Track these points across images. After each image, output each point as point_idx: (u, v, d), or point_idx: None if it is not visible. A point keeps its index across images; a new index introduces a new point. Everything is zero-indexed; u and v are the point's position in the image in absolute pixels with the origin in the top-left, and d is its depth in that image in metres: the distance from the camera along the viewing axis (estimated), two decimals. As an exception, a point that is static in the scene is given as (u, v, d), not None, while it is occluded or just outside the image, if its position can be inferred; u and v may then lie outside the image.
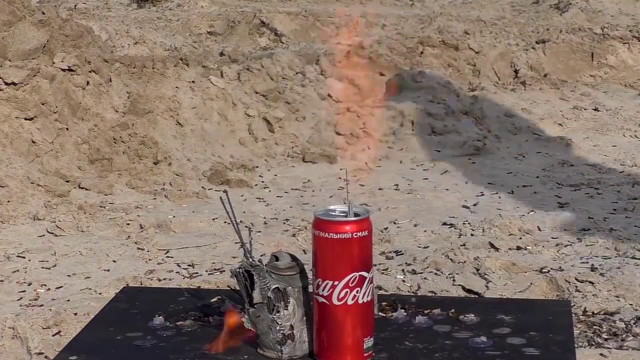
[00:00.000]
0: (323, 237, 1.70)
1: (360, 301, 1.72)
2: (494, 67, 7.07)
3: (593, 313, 3.23)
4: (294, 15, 8.26)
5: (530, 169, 5.28)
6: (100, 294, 3.52)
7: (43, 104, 5.10)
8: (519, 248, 3.82)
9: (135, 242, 4.14)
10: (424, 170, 5.34)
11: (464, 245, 3.87)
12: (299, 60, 6.47)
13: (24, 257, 3.97)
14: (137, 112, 5.46)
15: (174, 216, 4.48)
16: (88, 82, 5.43)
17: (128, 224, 4.35)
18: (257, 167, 5.42)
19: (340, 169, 5.16)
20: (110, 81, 5.60)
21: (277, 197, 4.90)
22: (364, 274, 1.71)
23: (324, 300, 1.70)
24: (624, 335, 3.04)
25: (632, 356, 2.89)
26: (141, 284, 3.60)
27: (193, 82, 5.93)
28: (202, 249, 4.05)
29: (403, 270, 3.55)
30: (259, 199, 4.87)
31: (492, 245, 3.84)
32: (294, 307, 1.74)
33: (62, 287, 3.65)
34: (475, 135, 5.84)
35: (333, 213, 1.74)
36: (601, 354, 2.89)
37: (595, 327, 3.11)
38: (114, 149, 5.18)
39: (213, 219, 4.39)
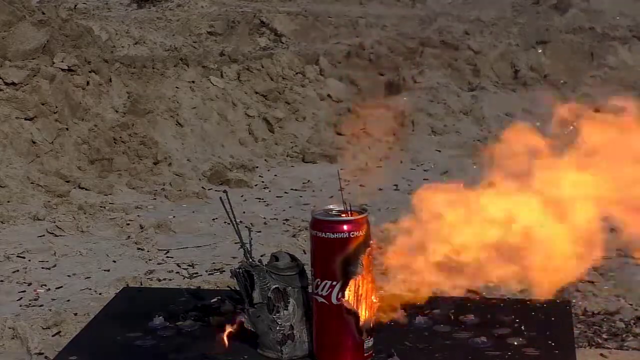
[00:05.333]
0: (321, 237, 1.69)
1: (360, 301, 1.71)
2: (494, 67, 7.07)
3: (593, 313, 3.23)
4: (294, 15, 8.26)
5: (530, 169, 5.27)
6: (100, 294, 3.52)
7: (43, 104, 5.10)
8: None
9: (135, 242, 4.13)
10: (424, 171, 5.34)
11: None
12: (299, 60, 6.47)
13: (24, 257, 3.97)
14: (137, 112, 5.46)
15: (174, 216, 4.48)
16: (88, 82, 5.42)
17: (128, 224, 4.35)
18: (257, 167, 5.42)
19: (341, 169, 5.16)
20: (110, 81, 5.60)
21: (277, 197, 4.90)
22: (364, 273, 1.71)
23: (323, 300, 1.69)
24: (624, 335, 3.04)
25: (632, 356, 2.89)
26: (141, 284, 3.59)
27: (193, 82, 5.93)
28: (202, 249, 4.05)
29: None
30: (259, 199, 4.87)
31: (492, 245, 3.84)
32: (294, 307, 1.73)
33: (62, 287, 3.65)
34: (475, 135, 5.84)
35: (331, 213, 1.74)
36: (601, 354, 2.89)
37: (595, 327, 3.11)
38: (114, 149, 5.18)
39: (213, 219, 4.38)
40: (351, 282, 1.68)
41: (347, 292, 1.68)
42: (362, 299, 1.70)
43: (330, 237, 1.69)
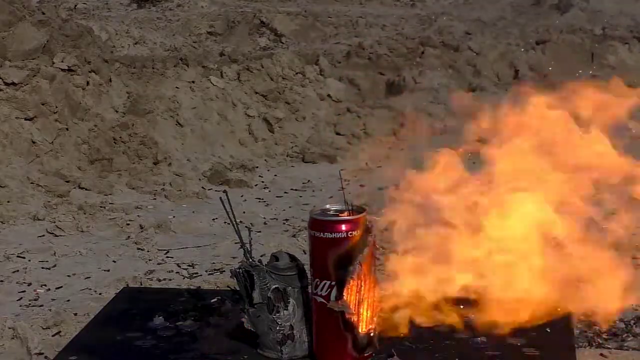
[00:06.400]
0: (319, 236, 1.68)
1: (360, 301, 1.70)
2: (494, 67, 7.07)
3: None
4: (294, 15, 8.26)
5: (530, 169, 5.26)
6: (100, 294, 3.52)
7: (43, 104, 5.10)
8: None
9: (135, 242, 4.13)
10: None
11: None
12: (299, 60, 6.47)
13: (24, 257, 3.97)
14: (137, 112, 5.46)
15: (174, 216, 4.48)
16: (88, 82, 5.43)
17: (128, 224, 4.35)
18: (257, 167, 5.42)
19: (341, 169, 5.16)
20: (110, 81, 5.60)
21: (277, 197, 4.90)
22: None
23: (323, 300, 1.69)
24: (624, 335, 3.04)
25: (632, 356, 2.89)
26: (141, 284, 3.59)
27: (193, 82, 5.93)
28: (202, 249, 4.05)
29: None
30: (259, 199, 4.87)
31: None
32: (293, 307, 1.73)
33: (62, 287, 3.65)
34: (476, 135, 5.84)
35: (329, 212, 1.73)
36: (601, 354, 2.89)
37: (595, 327, 3.11)
38: (114, 149, 5.18)
39: (213, 219, 4.38)
40: (350, 282, 1.68)
41: (345, 292, 1.67)
42: (363, 298, 1.69)
43: (329, 236, 1.68)
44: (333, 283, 1.68)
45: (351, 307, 1.67)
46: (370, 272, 1.70)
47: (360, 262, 1.66)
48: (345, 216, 1.71)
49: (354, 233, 1.68)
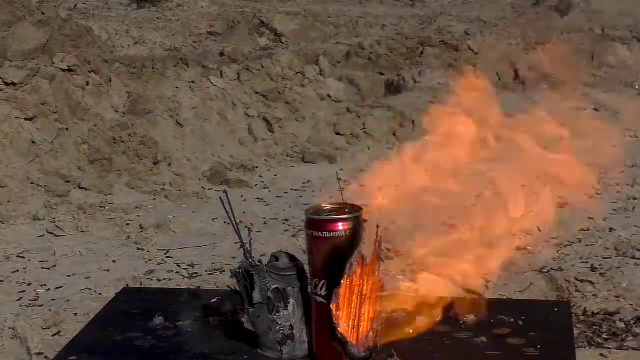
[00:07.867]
0: (317, 236, 1.68)
1: (359, 301, 1.70)
2: (494, 67, 7.07)
3: (593, 313, 3.23)
4: (294, 15, 8.26)
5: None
6: (100, 294, 3.52)
7: (43, 104, 5.10)
8: (518, 248, 3.82)
9: (135, 242, 4.13)
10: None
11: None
12: (299, 60, 6.47)
13: (23, 257, 3.97)
14: (137, 112, 5.46)
15: (174, 216, 4.48)
16: (88, 82, 5.43)
17: (128, 224, 4.35)
18: (257, 167, 5.42)
19: (341, 169, 5.16)
20: (110, 81, 5.60)
21: (277, 197, 4.90)
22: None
23: (322, 300, 1.69)
24: (624, 335, 3.04)
25: (632, 356, 2.89)
26: (141, 284, 3.60)
27: (193, 82, 5.93)
28: (202, 249, 4.05)
29: (403, 270, 3.54)
30: (259, 199, 4.87)
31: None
32: (293, 307, 1.73)
33: (62, 287, 3.65)
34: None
35: (325, 212, 1.73)
36: (601, 354, 2.89)
37: (595, 327, 3.11)
38: (114, 149, 5.18)
39: (213, 219, 4.38)
40: (349, 281, 1.67)
41: (340, 290, 1.67)
42: (365, 298, 1.69)
43: (327, 236, 1.68)
44: (332, 282, 1.68)
45: (352, 306, 1.67)
46: (374, 272, 1.70)
47: (355, 261, 1.66)
48: (341, 215, 1.71)
49: (352, 232, 1.68)
